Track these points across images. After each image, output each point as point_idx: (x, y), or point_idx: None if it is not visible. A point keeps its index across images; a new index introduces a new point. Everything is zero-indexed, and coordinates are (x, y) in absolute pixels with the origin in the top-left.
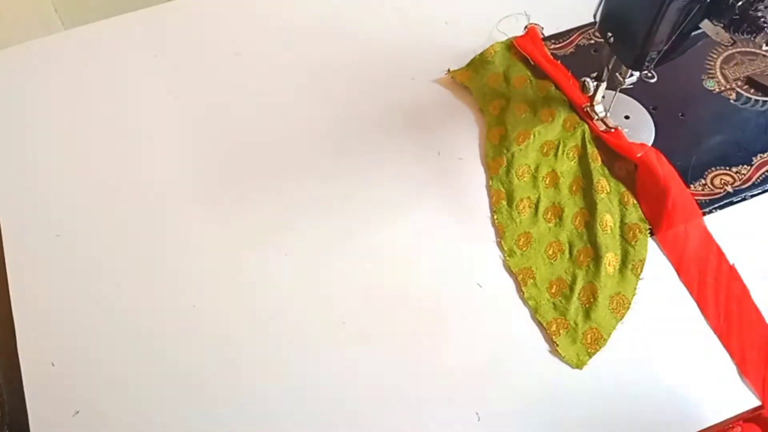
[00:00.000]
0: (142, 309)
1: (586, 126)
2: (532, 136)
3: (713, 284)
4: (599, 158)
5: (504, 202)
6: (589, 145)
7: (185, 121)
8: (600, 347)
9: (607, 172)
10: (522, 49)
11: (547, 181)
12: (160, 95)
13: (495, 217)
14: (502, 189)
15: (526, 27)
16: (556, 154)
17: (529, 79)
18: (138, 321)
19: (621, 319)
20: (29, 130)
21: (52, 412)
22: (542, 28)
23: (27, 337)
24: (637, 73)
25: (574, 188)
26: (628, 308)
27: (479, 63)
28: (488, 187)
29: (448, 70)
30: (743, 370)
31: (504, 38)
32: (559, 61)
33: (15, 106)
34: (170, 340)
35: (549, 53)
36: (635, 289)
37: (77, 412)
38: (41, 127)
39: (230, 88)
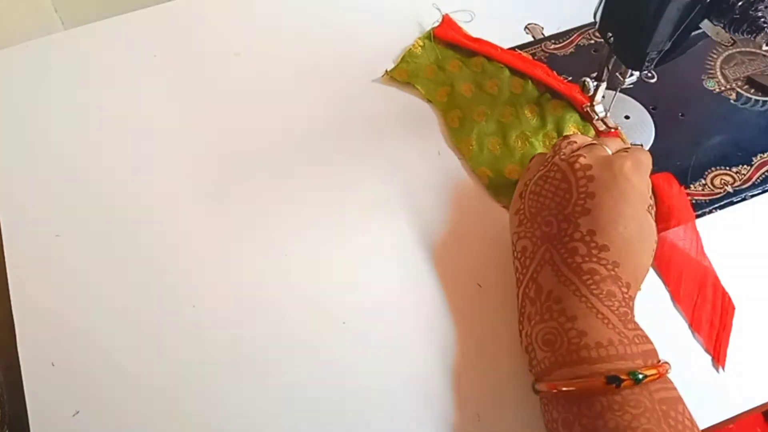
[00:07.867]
0: (142, 309)
1: (530, 82)
2: (488, 111)
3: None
4: (558, 108)
5: (493, 177)
6: (543, 98)
7: (185, 121)
8: None
9: (573, 117)
10: (442, 37)
11: (519, 144)
12: (160, 95)
13: (491, 192)
14: (485, 167)
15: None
16: (518, 117)
17: (460, 61)
18: (138, 321)
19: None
20: (29, 130)
21: (52, 412)
22: (542, 28)
23: (27, 337)
24: (636, 73)
25: (546, 142)
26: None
27: (410, 59)
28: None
29: (386, 71)
30: (676, 299)
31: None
32: (480, 38)
33: (15, 106)
34: (170, 339)
35: (468, 33)
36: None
37: (77, 412)
38: (41, 127)
39: (230, 87)
